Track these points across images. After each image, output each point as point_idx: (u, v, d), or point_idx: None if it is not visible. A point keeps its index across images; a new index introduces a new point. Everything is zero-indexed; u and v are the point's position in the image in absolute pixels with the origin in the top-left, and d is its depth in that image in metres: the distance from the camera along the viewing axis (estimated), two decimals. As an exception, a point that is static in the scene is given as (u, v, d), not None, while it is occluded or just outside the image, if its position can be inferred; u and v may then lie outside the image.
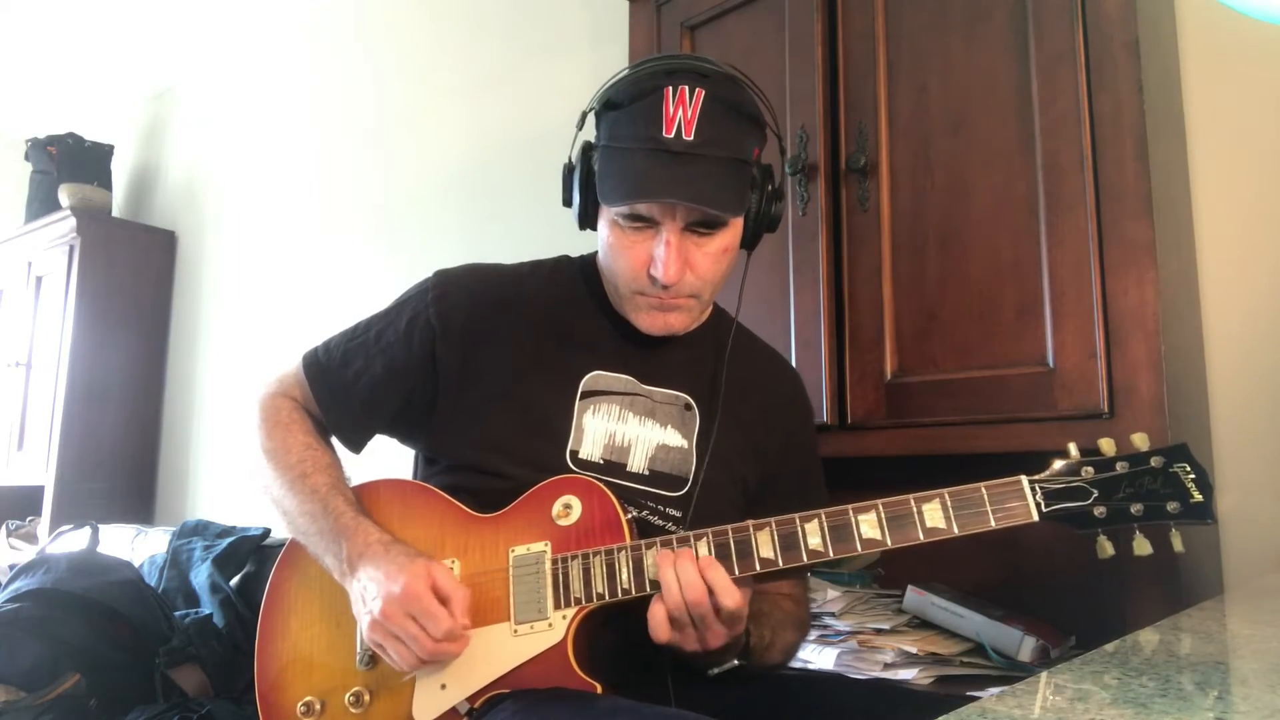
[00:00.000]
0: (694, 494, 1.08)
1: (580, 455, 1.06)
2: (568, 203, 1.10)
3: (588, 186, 1.05)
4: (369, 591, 0.96)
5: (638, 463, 1.08)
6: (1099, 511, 0.88)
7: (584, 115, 1.08)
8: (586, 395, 1.08)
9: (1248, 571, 1.28)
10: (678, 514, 1.07)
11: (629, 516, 1.01)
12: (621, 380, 1.10)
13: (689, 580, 0.90)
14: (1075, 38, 1.22)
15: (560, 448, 1.06)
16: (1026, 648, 1.20)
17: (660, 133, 0.97)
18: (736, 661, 1.00)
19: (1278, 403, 1.30)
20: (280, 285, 3.08)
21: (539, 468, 1.04)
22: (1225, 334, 1.35)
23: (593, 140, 1.07)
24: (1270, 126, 1.35)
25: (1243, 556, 1.29)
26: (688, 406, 1.12)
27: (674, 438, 1.09)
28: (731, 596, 0.90)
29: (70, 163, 3.49)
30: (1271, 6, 0.86)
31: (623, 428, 1.08)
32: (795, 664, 1.29)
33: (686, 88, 0.97)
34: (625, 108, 1.00)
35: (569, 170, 1.09)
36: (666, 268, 0.99)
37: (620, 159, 1.00)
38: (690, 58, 1.05)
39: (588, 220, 1.08)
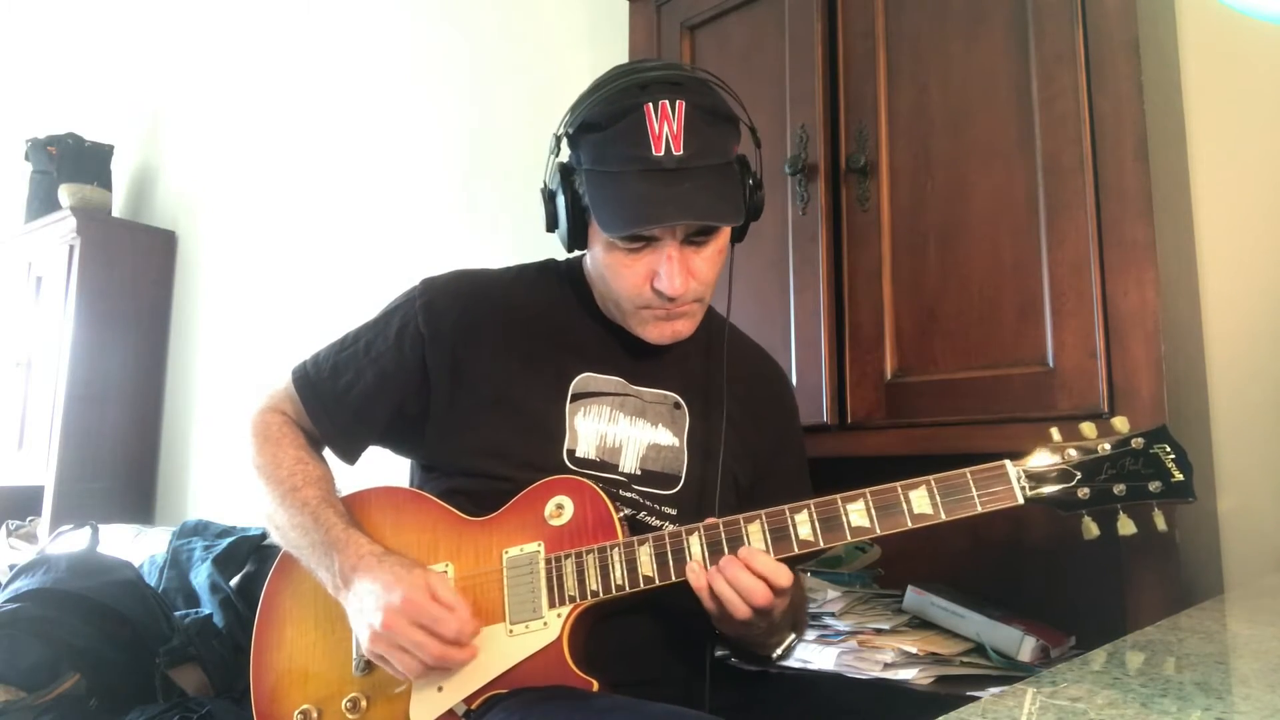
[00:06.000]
0: (687, 492, 1.08)
1: (577, 454, 1.07)
2: (552, 228, 1.09)
3: (574, 210, 1.04)
4: (366, 604, 0.96)
5: (630, 463, 1.08)
6: (1083, 493, 0.90)
7: (558, 139, 1.06)
8: (577, 397, 1.09)
9: (1248, 571, 1.28)
10: (673, 512, 1.08)
11: (621, 515, 1.01)
12: (611, 381, 1.11)
13: (748, 586, 0.91)
14: (1075, 38, 1.22)
15: (557, 448, 1.06)
16: (1026, 648, 1.20)
17: (649, 152, 0.96)
18: (793, 635, 1.04)
19: (1278, 403, 1.30)
20: (280, 286, 3.07)
21: (537, 469, 1.04)
22: (1225, 334, 1.35)
23: (567, 162, 1.06)
24: (1270, 126, 1.34)
25: (1243, 556, 1.29)
26: (677, 405, 1.12)
27: (665, 436, 1.10)
28: (786, 577, 0.92)
29: (70, 163, 3.49)
30: (1271, 6, 0.86)
31: (613, 428, 1.08)
32: (795, 664, 1.29)
33: (667, 102, 0.96)
34: (606, 129, 0.98)
35: (550, 195, 1.08)
36: (673, 281, 1.00)
37: (613, 184, 0.99)
38: (655, 66, 1.04)
39: (578, 243, 1.07)
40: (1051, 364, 1.20)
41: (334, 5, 3.06)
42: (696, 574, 0.94)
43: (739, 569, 0.92)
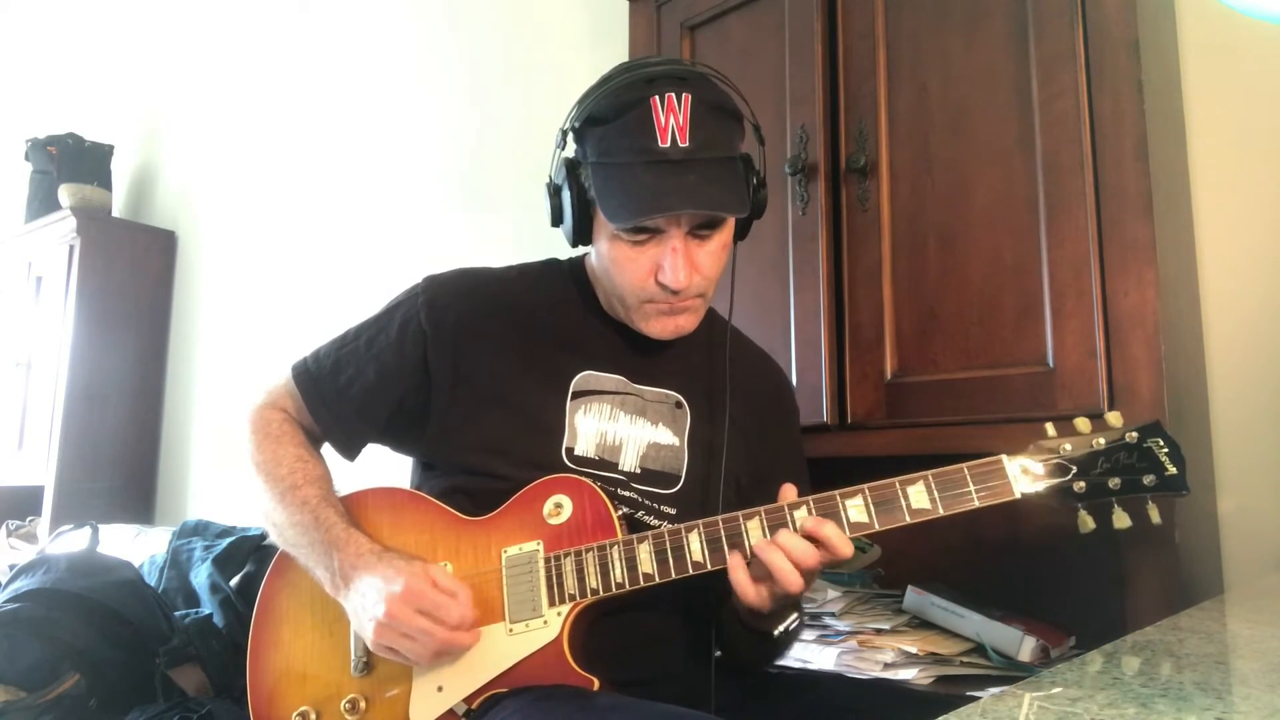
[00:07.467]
0: (687, 491, 1.08)
1: (576, 452, 1.07)
2: (557, 223, 1.09)
3: (580, 204, 1.04)
4: (368, 599, 0.96)
5: (629, 461, 1.08)
6: (1078, 487, 0.91)
7: (564, 134, 1.06)
8: (577, 395, 1.09)
9: (1248, 571, 1.28)
10: (672, 511, 1.08)
11: (620, 513, 1.01)
12: (612, 380, 1.11)
13: (799, 550, 0.91)
14: (1075, 37, 1.22)
15: (556, 446, 1.06)
16: (1026, 648, 1.20)
17: (655, 144, 0.96)
18: (796, 615, 1.04)
19: (1278, 403, 1.30)
20: (280, 285, 3.07)
21: (536, 467, 1.04)
22: (1225, 334, 1.35)
23: (573, 157, 1.06)
24: (1270, 126, 1.34)
25: (1243, 556, 1.29)
26: (678, 405, 1.12)
27: (665, 435, 1.10)
28: (848, 546, 0.93)
29: (70, 163, 3.48)
30: (1271, 6, 0.86)
31: (614, 427, 1.08)
32: (795, 664, 1.29)
33: (673, 94, 0.97)
34: (612, 122, 0.99)
35: (555, 189, 1.08)
36: (676, 274, 1.00)
37: (620, 175, 0.99)
38: (660, 61, 1.04)
39: (582, 237, 1.07)
40: (1051, 364, 1.20)
41: (333, 5, 3.06)
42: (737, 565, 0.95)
43: (788, 534, 0.92)
